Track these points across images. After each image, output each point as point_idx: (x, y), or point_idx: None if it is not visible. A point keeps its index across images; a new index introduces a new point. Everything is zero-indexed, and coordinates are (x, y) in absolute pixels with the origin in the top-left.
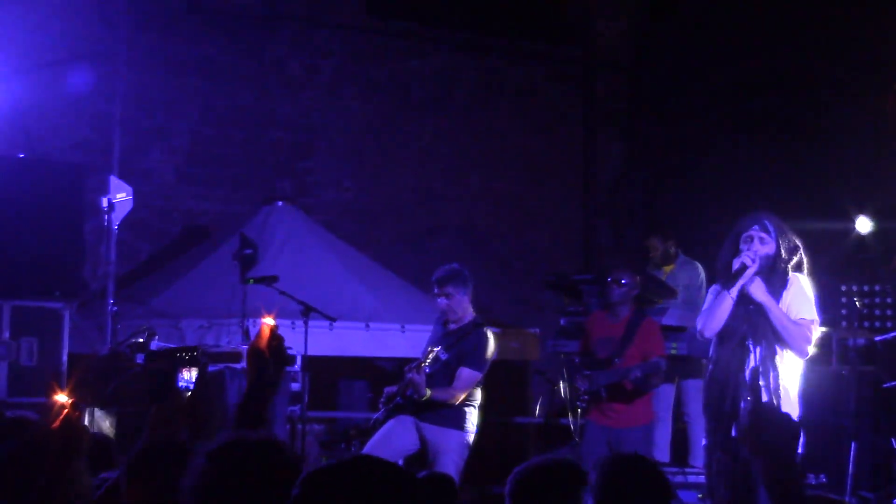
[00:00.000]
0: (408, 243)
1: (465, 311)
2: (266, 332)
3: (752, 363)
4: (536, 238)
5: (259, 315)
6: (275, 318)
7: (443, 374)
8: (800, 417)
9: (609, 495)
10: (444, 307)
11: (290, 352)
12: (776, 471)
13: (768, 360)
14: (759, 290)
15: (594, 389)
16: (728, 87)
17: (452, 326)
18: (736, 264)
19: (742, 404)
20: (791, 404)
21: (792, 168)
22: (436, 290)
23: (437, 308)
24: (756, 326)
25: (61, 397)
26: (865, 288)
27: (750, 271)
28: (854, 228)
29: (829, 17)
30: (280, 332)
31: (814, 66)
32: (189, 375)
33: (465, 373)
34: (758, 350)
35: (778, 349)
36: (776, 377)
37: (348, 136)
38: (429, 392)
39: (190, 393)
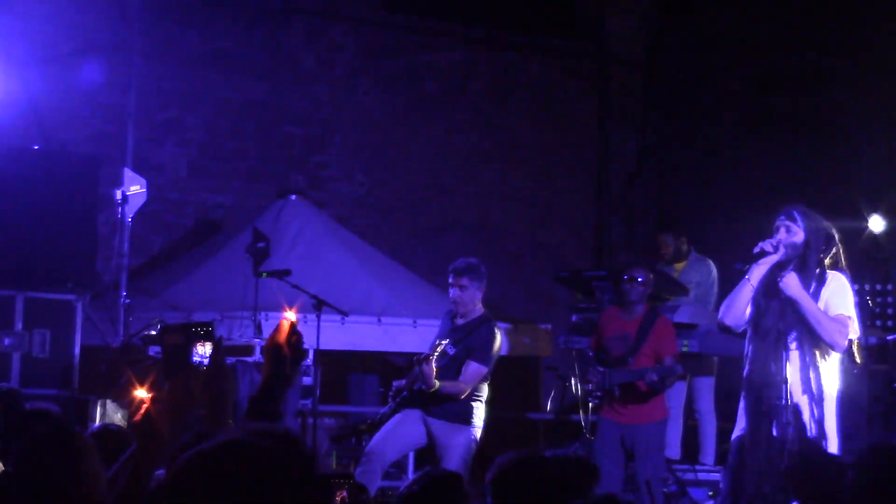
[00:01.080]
0: (421, 238)
1: (475, 305)
2: (286, 328)
3: (791, 362)
4: (549, 234)
5: (272, 308)
6: (296, 313)
7: (450, 369)
8: (838, 419)
9: None
10: (455, 297)
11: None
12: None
13: (809, 361)
14: (792, 284)
15: (607, 387)
16: (741, 84)
17: (460, 321)
18: (756, 249)
19: (788, 431)
20: (832, 415)
21: (805, 166)
22: (451, 280)
23: (448, 301)
24: (793, 324)
25: (141, 392)
26: (878, 287)
27: (772, 258)
28: (867, 227)
29: (843, 14)
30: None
31: (827, 64)
32: (203, 350)
33: (473, 367)
34: (797, 350)
35: (817, 348)
36: (818, 380)
37: (362, 131)
38: (437, 384)
39: (205, 368)
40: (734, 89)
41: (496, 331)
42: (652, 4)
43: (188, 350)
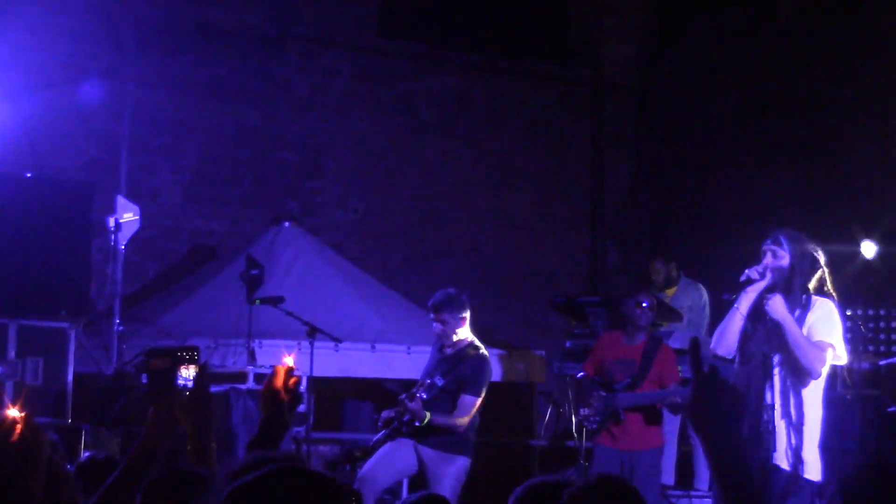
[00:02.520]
0: (415, 264)
1: (461, 335)
2: (283, 373)
3: (774, 386)
4: (543, 260)
5: (266, 336)
6: (294, 359)
7: (442, 400)
8: (821, 444)
9: None
10: (438, 332)
11: (295, 373)
12: None
13: (790, 386)
14: (778, 307)
15: (611, 412)
16: (735, 110)
17: (448, 351)
18: (742, 277)
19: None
20: (811, 441)
21: (798, 191)
22: (431, 316)
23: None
24: (777, 348)
25: (13, 411)
26: (870, 312)
27: (759, 285)
28: (860, 252)
29: (835, 41)
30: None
31: (820, 89)
32: (188, 374)
33: (467, 399)
34: (779, 374)
35: (797, 374)
36: (799, 406)
37: (356, 157)
38: (429, 415)
39: (189, 392)
40: (727, 115)
41: (486, 357)
42: (646, 31)
43: (173, 374)
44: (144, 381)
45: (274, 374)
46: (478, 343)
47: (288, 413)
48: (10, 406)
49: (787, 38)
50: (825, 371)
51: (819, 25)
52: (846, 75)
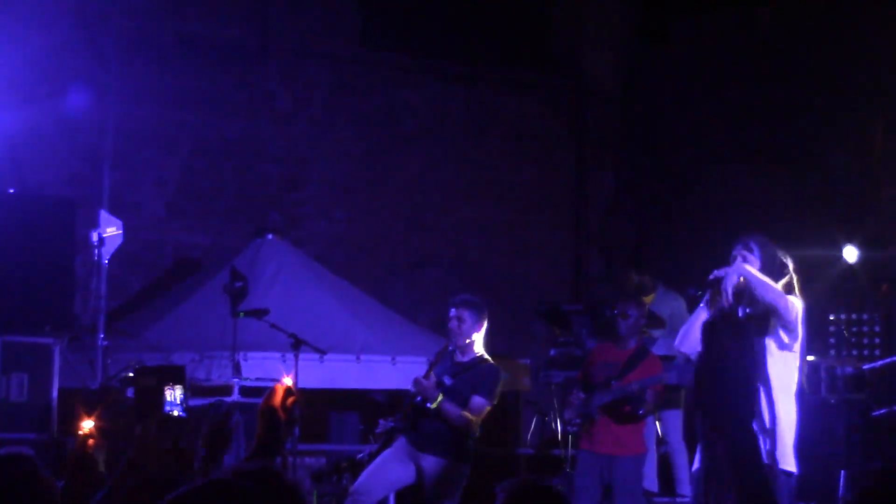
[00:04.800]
0: (399, 274)
1: (473, 343)
2: (281, 392)
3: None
4: (527, 268)
5: (250, 348)
6: (293, 379)
7: (449, 398)
8: (796, 444)
9: None
10: (452, 328)
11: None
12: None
13: (762, 390)
14: (742, 266)
15: (587, 412)
16: (717, 117)
17: (460, 358)
18: (711, 276)
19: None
20: (785, 445)
21: (780, 197)
22: (452, 312)
23: (425, 337)
24: (748, 303)
25: (87, 423)
26: (853, 316)
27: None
28: (841, 257)
29: (815, 47)
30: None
31: (802, 96)
32: (174, 395)
33: (478, 401)
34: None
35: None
36: (772, 411)
37: (339, 168)
38: (441, 397)
39: (176, 414)
40: (709, 122)
41: (500, 370)
42: (627, 39)
43: (160, 392)
44: (130, 394)
45: (273, 392)
46: (489, 358)
47: (284, 431)
48: (85, 418)
49: (767, 45)
50: (793, 365)
51: (799, 32)
52: (826, 81)
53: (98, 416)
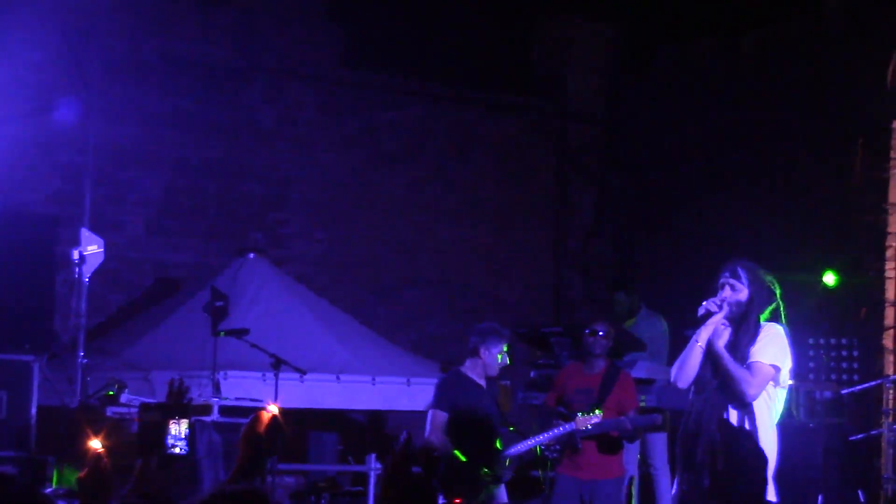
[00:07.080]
0: (380, 295)
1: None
2: (265, 420)
3: (730, 416)
4: (508, 290)
5: (231, 367)
6: (278, 406)
7: None
8: (775, 473)
9: None
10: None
11: (260, 404)
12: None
13: (742, 416)
14: (718, 340)
15: (570, 440)
16: (698, 141)
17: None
18: (701, 310)
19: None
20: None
21: (761, 221)
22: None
23: (406, 359)
24: (714, 374)
25: (95, 443)
26: (832, 341)
27: (716, 318)
28: (821, 282)
29: (798, 72)
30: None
31: (783, 120)
32: (177, 430)
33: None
34: (731, 406)
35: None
36: (752, 422)
37: (321, 188)
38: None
39: (178, 451)
40: (692, 145)
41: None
42: (611, 62)
43: (164, 429)
44: (110, 412)
45: (257, 419)
46: None
47: (265, 457)
48: (93, 438)
49: (750, 70)
50: (779, 398)
51: (782, 57)
52: (809, 106)
53: (105, 436)
